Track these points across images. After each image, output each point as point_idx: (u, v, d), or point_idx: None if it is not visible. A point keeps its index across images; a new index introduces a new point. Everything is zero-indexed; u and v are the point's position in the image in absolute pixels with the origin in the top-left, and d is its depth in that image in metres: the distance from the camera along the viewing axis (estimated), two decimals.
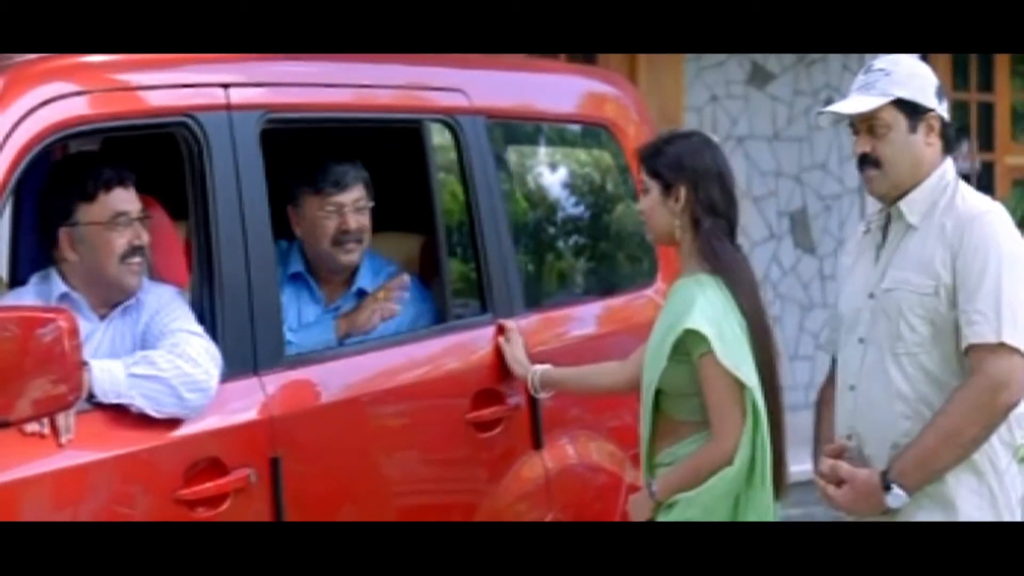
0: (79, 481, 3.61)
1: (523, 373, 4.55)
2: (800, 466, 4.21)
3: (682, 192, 4.12)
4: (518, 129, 5.17)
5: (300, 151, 4.64)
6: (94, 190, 3.95)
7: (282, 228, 4.55)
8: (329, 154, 4.65)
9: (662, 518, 4.09)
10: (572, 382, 4.61)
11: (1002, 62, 11.67)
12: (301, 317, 4.62)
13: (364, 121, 4.57)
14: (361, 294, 4.67)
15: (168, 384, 3.72)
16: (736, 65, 10.20)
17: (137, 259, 3.99)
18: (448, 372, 4.56)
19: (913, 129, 3.97)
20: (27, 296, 4.00)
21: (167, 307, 3.97)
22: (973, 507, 3.88)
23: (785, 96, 10.43)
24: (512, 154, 5.15)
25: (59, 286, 3.99)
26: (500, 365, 4.59)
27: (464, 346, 4.59)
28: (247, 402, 3.95)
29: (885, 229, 4.05)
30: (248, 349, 3.97)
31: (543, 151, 5.40)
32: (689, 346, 4.03)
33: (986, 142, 11.69)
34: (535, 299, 4.95)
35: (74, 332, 3.44)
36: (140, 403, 3.70)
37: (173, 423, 3.76)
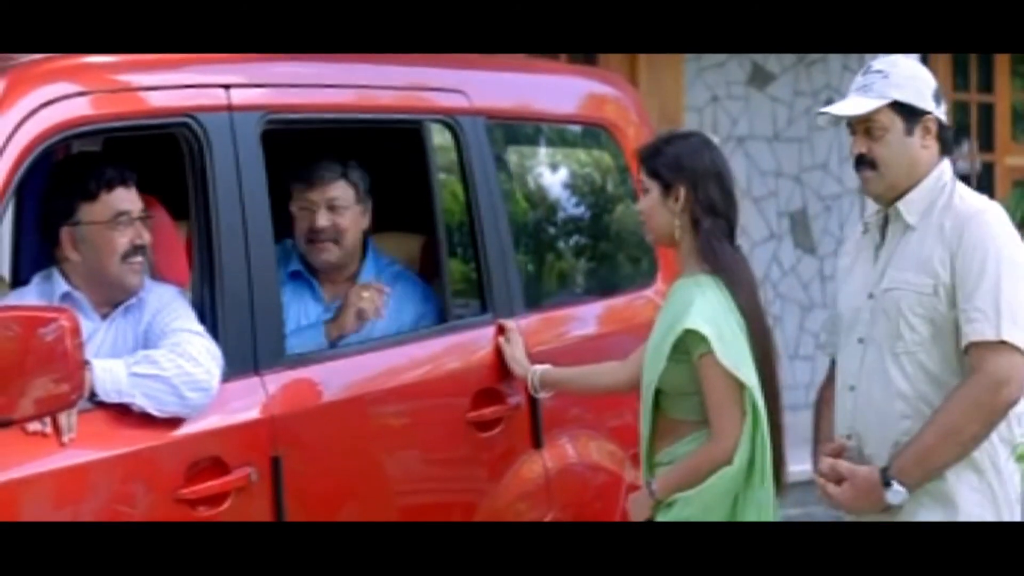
0: (81, 480, 3.62)
1: (523, 373, 4.56)
2: (800, 466, 4.21)
3: (681, 192, 4.13)
4: (518, 130, 5.17)
5: (300, 151, 4.65)
6: (96, 190, 3.95)
7: (283, 228, 4.56)
8: (310, 151, 4.65)
9: (661, 517, 4.10)
10: (572, 382, 4.61)
11: (1002, 62, 11.67)
12: (303, 316, 4.62)
13: (364, 122, 4.58)
14: None
15: (169, 383, 3.73)
16: (736, 65, 10.20)
17: (138, 258, 4.00)
18: (448, 372, 4.57)
19: (910, 131, 3.98)
20: (29, 296, 4.01)
21: (168, 306, 3.98)
22: (974, 504, 3.89)
23: (785, 96, 10.43)
24: (512, 154, 5.16)
25: (61, 285, 4.00)
26: (500, 365, 4.60)
27: (464, 346, 4.60)
28: (248, 401, 3.95)
29: (883, 229, 4.06)
30: (249, 348, 3.98)
31: (543, 152, 5.40)
32: (689, 346, 4.04)
33: (986, 143, 11.70)
34: (535, 299, 4.95)
35: (76, 331, 3.45)
36: (141, 402, 3.71)
37: (174, 422, 3.77)
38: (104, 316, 4.03)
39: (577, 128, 5.42)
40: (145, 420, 3.72)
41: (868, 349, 3.99)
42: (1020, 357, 3.83)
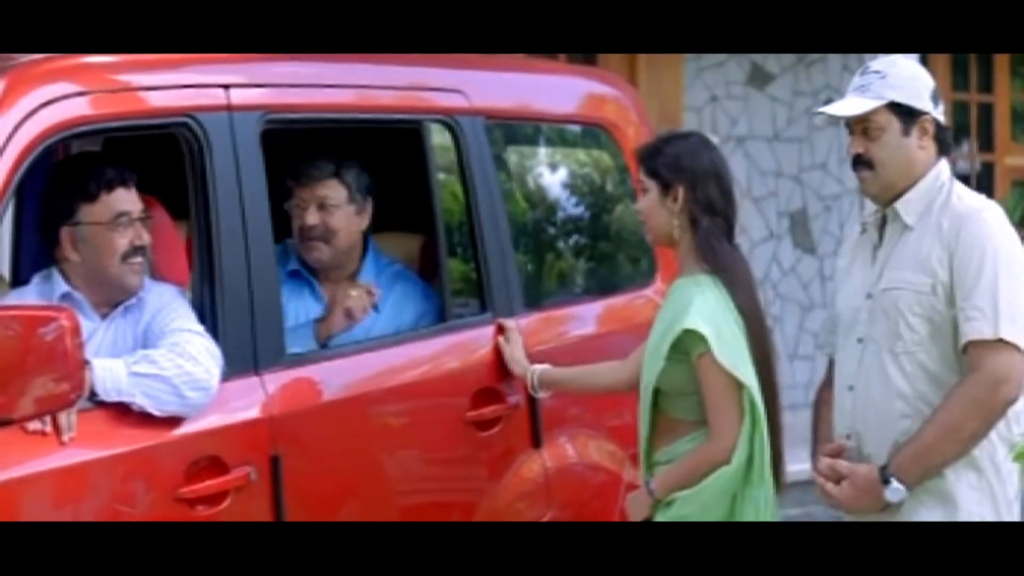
0: (81, 479, 3.62)
1: (522, 373, 4.56)
2: (800, 465, 4.22)
3: (680, 192, 4.13)
4: (517, 129, 5.17)
5: (299, 151, 4.65)
6: (96, 190, 3.96)
7: (284, 228, 4.56)
8: (309, 151, 4.65)
9: (660, 516, 4.11)
10: (571, 382, 4.62)
11: (1002, 62, 11.67)
12: (302, 315, 4.62)
13: (364, 121, 4.58)
14: None
15: (169, 383, 3.73)
16: (736, 65, 10.20)
17: (138, 259, 4.01)
18: (448, 371, 4.57)
19: (906, 132, 3.99)
20: (29, 295, 4.01)
21: (168, 306, 3.99)
22: (973, 503, 3.90)
23: (785, 96, 10.43)
24: (511, 154, 5.16)
25: (61, 286, 4.01)
26: (500, 364, 4.60)
27: (464, 345, 4.60)
28: (248, 401, 3.96)
29: (881, 229, 4.07)
30: (249, 348, 3.98)
31: (542, 151, 5.41)
32: (687, 346, 4.05)
33: (986, 143, 11.69)
34: (534, 299, 4.96)
35: (76, 331, 3.45)
36: (141, 401, 3.71)
37: (174, 421, 3.77)
38: (104, 316, 4.03)
39: (576, 128, 5.43)
40: (145, 419, 3.72)
41: (867, 349, 4.00)
42: (1018, 355, 3.84)
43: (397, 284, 4.72)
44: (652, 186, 4.17)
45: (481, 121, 4.73)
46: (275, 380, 4.02)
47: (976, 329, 3.84)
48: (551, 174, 5.37)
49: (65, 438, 3.57)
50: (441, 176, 4.69)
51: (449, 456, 4.50)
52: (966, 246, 3.88)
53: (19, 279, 4.47)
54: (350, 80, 4.46)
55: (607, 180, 5.46)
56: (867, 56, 4.32)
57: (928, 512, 3.90)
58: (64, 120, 3.71)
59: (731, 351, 4.02)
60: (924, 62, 4.10)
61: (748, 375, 4.03)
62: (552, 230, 5.40)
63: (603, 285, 5.43)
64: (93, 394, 3.66)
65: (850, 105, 4.00)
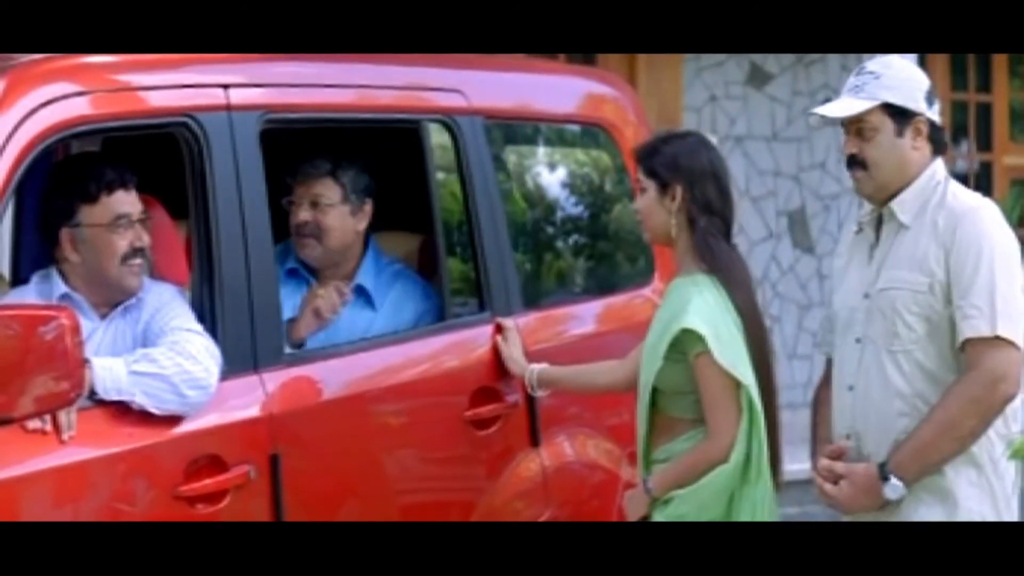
0: (80, 478, 3.63)
1: (520, 372, 4.57)
2: (799, 464, 4.22)
3: (678, 191, 4.14)
4: (516, 129, 5.18)
5: (298, 151, 4.66)
6: (96, 192, 3.96)
7: (284, 227, 4.57)
8: (308, 151, 4.65)
9: (657, 514, 4.11)
10: (570, 380, 4.62)
11: (1000, 62, 11.67)
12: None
13: (363, 121, 4.59)
14: (360, 291, 4.68)
15: (169, 381, 3.74)
16: (735, 65, 10.21)
17: (138, 260, 4.01)
18: (447, 370, 4.58)
19: (900, 133, 4.00)
20: (29, 295, 4.02)
21: (167, 306, 3.99)
22: (973, 500, 3.91)
23: (784, 96, 10.44)
24: (510, 154, 5.17)
25: (60, 286, 4.01)
26: (498, 363, 4.61)
27: (462, 344, 4.61)
28: (247, 399, 3.96)
29: (878, 229, 4.07)
30: (248, 347, 3.99)
31: (541, 151, 5.41)
32: (685, 345, 4.05)
33: (984, 142, 11.70)
34: (533, 298, 4.96)
35: (76, 330, 3.46)
36: (141, 400, 3.72)
37: (174, 420, 3.78)
38: (103, 316, 4.04)
39: (575, 128, 5.43)
40: (144, 418, 3.73)
41: (865, 348, 4.00)
42: (1016, 353, 3.85)
43: (397, 283, 4.73)
44: (650, 185, 4.18)
45: (480, 121, 4.73)
46: (274, 379, 4.03)
47: (973, 327, 3.84)
48: (550, 174, 5.38)
49: (65, 437, 3.57)
50: (440, 176, 4.69)
51: (448, 455, 4.50)
52: (962, 244, 3.89)
53: (19, 279, 4.48)
54: (349, 80, 4.47)
55: (606, 180, 5.46)
56: (866, 56, 4.32)
57: (928, 510, 3.90)
58: (64, 120, 3.71)
59: (729, 350, 4.03)
60: (923, 62, 4.11)
61: (746, 374, 4.04)
62: (551, 230, 5.40)
63: (601, 284, 5.43)
64: (93, 393, 3.66)
65: (844, 106, 4.01)
